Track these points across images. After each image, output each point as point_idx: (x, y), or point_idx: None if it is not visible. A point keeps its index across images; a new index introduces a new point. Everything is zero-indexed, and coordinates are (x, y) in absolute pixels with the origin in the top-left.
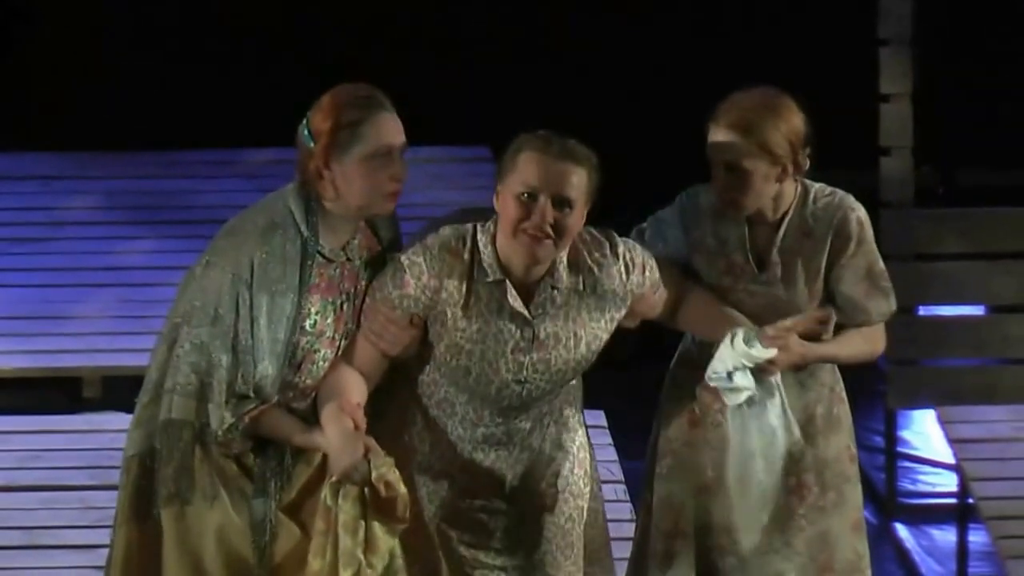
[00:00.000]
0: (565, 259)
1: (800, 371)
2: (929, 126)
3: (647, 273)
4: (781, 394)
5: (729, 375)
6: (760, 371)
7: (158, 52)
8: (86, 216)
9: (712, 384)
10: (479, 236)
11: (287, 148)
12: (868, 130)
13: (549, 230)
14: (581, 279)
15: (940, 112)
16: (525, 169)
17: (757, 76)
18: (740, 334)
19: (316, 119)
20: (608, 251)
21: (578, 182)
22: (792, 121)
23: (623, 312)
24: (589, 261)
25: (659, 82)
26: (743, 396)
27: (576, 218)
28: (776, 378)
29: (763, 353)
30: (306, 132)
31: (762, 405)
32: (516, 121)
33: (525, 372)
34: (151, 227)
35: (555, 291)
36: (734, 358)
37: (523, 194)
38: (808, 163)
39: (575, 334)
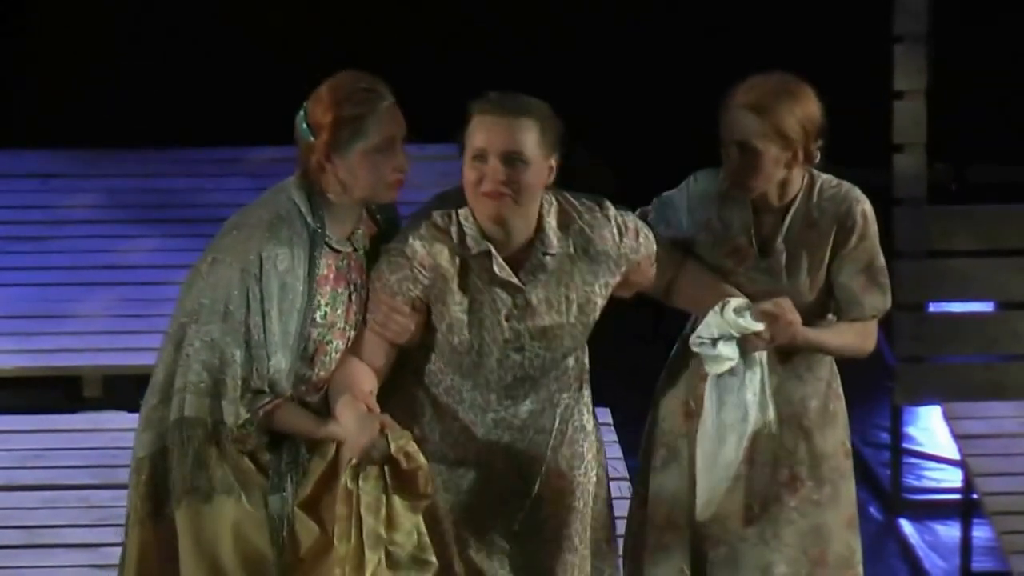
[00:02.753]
0: (554, 222)
1: (798, 364)
2: (943, 123)
3: (640, 239)
4: (763, 371)
5: (714, 342)
6: (746, 342)
7: (160, 49)
8: (87, 215)
9: (695, 349)
10: (461, 210)
11: (291, 146)
12: (882, 127)
13: (504, 188)
14: (571, 242)
15: (954, 109)
16: (473, 132)
17: (770, 72)
18: (732, 303)
19: (316, 112)
20: (599, 213)
21: (527, 136)
22: (808, 107)
23: (617, 278)
24: (580, 222)
25: (669, 78)
26: (725, 366)
27: (534, 173)
28: (761, 355)
29: (752, 325)
30: (304, 126)
31: (741, 379)
32: None
33: (522, 339)
34: (152, 226)
35: (546, 256)
36: (721, 326)
37: (474, 156)
38: (818, 155)
39: (567, 297)
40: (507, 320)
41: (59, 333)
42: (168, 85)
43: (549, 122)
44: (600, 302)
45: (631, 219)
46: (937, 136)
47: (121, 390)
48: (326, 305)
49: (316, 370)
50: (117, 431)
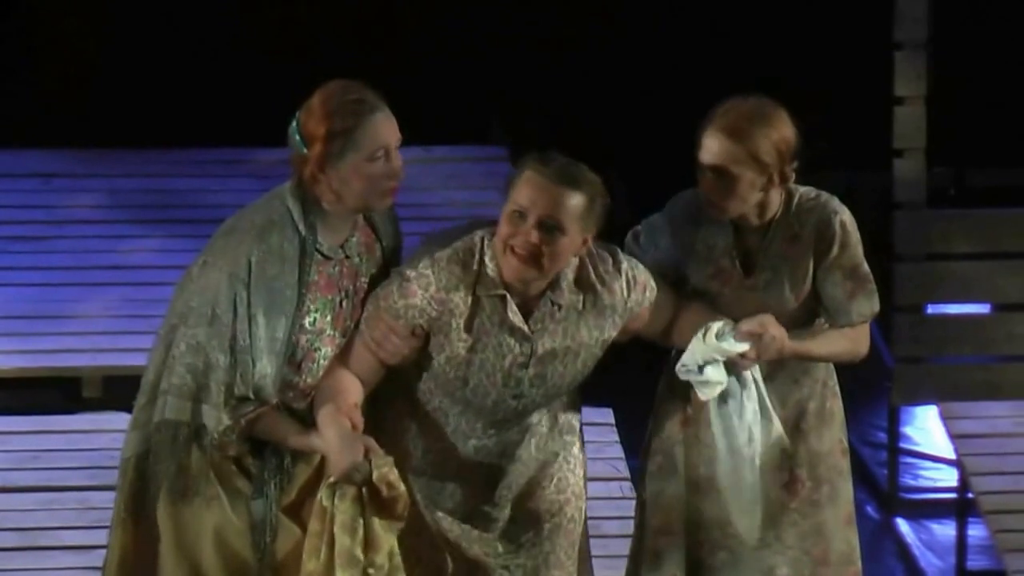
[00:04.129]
0: (570, 276)
1: (794, 368)
2: (942, 128)
3: (647, 293)
4: (758, 387)
5: (700, 368)
6: (733, 364)
7: (163, 48)
8: (88, 215)
9: (683, 377)
10: (486, 249)
11: None
12: (882, 132)
13: (534, 251)
14: (583, 296)
15: (953, 114)
16: (521, 187)
17: (771, 78)
18: (714, 328)
19: (308, 125)
20: (611, 266)
21: (571, 207)
22: (783, 131)
23: (618, 329)
24: (593, 276)
25: (672, 84)
26: (716, 389)
27: (566, 244)
28: (753, 372)
29: (735, 347)
30: (297, 138)
31: (739, 401)
32: (531, 120)
33: (522, 387)
34: (154, 226)
35: (555, 307)
36: (704, 352)
37: (515, 212)
38: (794, 175)
39: (572, 351)
40: (510, 367)
41: (59, 333)
42: (171, 85)
43: (598, 199)
44: (600, 353)
45: (640, 272)
46: (937, 141)
47: (121, 391)
48: (316, 312)
49: (304, 376)
50: (116, 432)
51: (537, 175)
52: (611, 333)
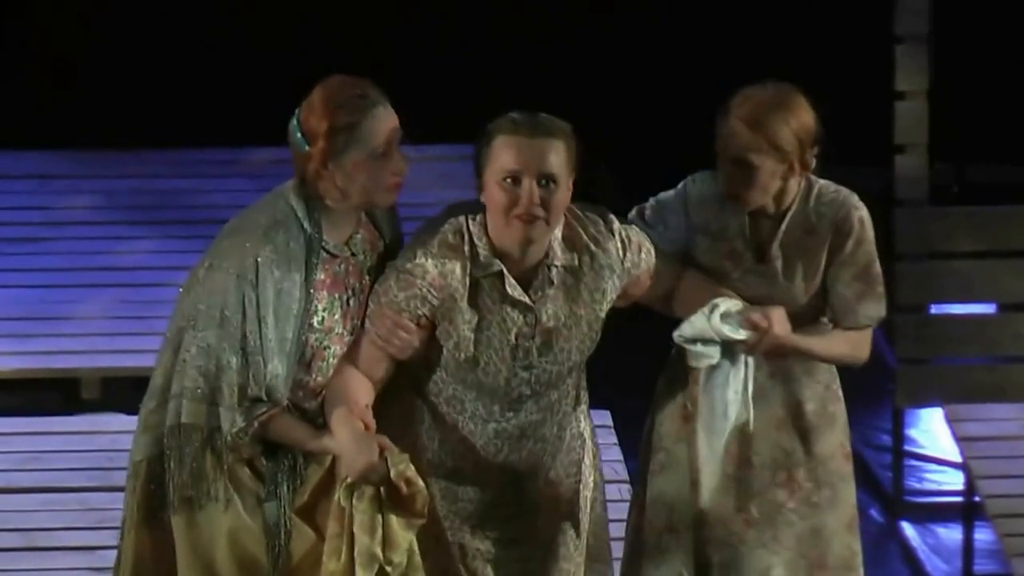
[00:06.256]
0: (560, 236)
1: (795, 367)
2: (944, 123)
3: (643, 254)
4: (747, 370)
5: (695, 341)
6: (730, 343)
7: (158, 49)
8: (85, 216)
9: (677, 342)
10: (473, 228)
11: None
12: (883, 127)
13: (539, 211)
14: (577, 257)
15: (956, 109)
16: (502, 154)
17: (771, 72)
18: (721, 307)
19: (309, 121)
20: (603, 227)
21: (557, 156)
22: (803, 118)
23: (618, 290)
24: (585, 237)
25: (672, 78)
26: (705, 362)
27: (563, 193)
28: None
29: (735, 334)
30: (299, 135)
31: (726, 377)
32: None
33: (531, 358)
34: (151, 227)
35: (551, 270)
36: (705, 329)
37: (506, 179)
38: (815, 162)
39: (575, 314)
40: (517, 339)
41: (57, 335)
42: (166, 86)
43: (572, 141)
44: (603, 315)
45: (634, 232)
46: (939, 136)
47: (119, 392)
48: (324, 310)
49: (313, 376)
50: (115, 433)
51: (515, 136)
52: (612, 295)
